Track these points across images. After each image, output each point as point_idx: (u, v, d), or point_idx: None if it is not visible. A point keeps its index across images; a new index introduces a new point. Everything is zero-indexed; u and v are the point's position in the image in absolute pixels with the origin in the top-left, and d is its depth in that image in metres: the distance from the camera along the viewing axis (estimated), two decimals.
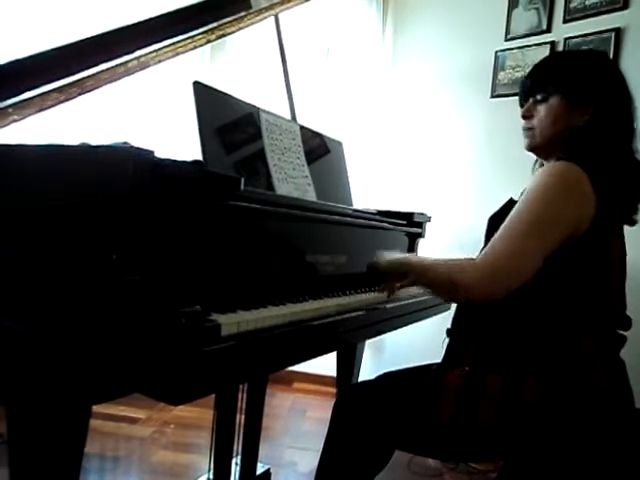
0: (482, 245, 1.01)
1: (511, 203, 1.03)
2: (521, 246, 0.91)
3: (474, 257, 0.96)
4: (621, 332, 1.02)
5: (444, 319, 1.28)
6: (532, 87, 1.11)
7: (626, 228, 1.06)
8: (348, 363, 1.75)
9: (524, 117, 1.12)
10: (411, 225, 1.63)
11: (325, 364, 1.86)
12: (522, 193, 1.00)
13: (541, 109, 1.08)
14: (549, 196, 0.94)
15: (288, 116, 1.51)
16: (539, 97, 1.08)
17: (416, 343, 2.24)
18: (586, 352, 0.94)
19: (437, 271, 1.00)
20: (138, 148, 0.73)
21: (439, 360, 1.14)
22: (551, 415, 0.91)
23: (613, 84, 1.05)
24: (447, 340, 1.10)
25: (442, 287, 1.00)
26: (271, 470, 1.67)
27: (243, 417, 1.54)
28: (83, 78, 1.06)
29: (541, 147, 1.10)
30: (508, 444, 0.95)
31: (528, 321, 0.97)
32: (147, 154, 0.74)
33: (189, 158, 0.86)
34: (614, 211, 0.98)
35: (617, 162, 1.00)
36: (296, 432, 2.36)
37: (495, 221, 1.01)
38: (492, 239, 0.95)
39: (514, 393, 0.93)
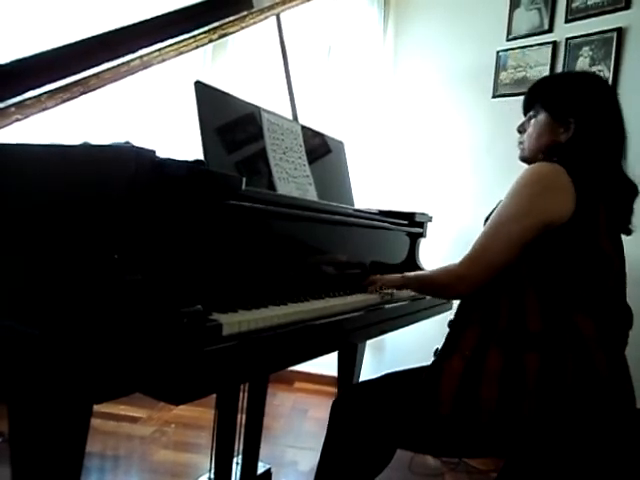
0: None
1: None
2: (495, 241, 1.02)
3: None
4: (625, 327, 1.04)
5: (444, 320, 1.28)
6: (527, 103, 1.20)
7: None
8: (349, 363, 1.75)
9: (519, 131, 1.22)
10: (412, 225, 1.63)
11: (326, 364, 1.86)
12: None
13: (531, 124, 1.17)
14: (524, 190, 1.01)
15: (289, 116, 1.51)
16: (532, 113, 1.17)
17: (417, 343, 2.24)
18: (585, 333, 0.96)
19: (428, 278, 1.20)
20: (140, 148, 0.73)
21: None
22: (551, 401, 0.91)
23: (597, 105, 1.09)
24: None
25: (433, 289, 1.22)
26: (272, 470, 1.67)
27: (244, 417, 1.54)
28: (86, 77, 1.06)
29: (528, 159, 1.17)
30: (509, 435, 0.95)
31: (527, 301, 1.00)
32: (149, 154, 0.74)
33: (191, 158, 0.86)
34: (597, 205, 1.00)
35: (599, 173, 1.04)
36: (297, 432, 2.36)
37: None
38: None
39: (515, 371, 0.94)
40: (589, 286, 1.00)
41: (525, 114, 1.20)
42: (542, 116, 1.14)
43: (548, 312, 0.98)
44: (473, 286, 1.04)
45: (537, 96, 1.17)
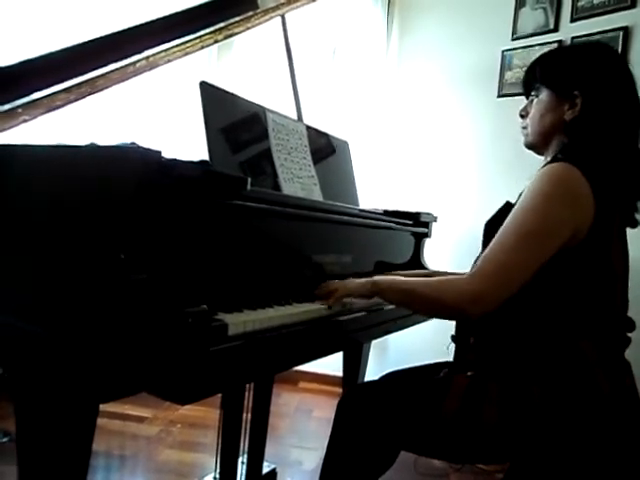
0: (480, 250, 1.00)
1: (508, 207, 1.00)
2: (515, 258, 0.89)
3: (460, 272, 0.95)
4: (624, 344, 1.01)
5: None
6: (527, 84, 1.11)
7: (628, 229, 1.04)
8: (354, 363, 1.75)
9: (521, 116, 1.12)
10: (417, 225, 1.63)
11: (331, 364, 1.86)
12: (520, 195, 0.98)
13: (533, 106, 1.08)
14: (546, 207, 0.90)
15: (294, 116, 1.51)
16: (533, 94, 1.08)
17: (420, 343, 2.24)
18: (586, 358, 0.92)
19: (422, 292, 0.96)
20: (146, 148, 0.74)
21: (443, 359, 1.14)
22: (554, 418, 0.90)
23: (605, 74, 0.99)
24: (452, 345, 1.10)
25: (430, 306, 0.98)
26: (277, 469, 1.67)
27: (249, 416, 1.54)
28: (92, 78, 1.07)
29: (534, 144, 1.10)
30: (513, 445, 0.94)
31: (528, 327, 0.96)
32: (155, 154, 0.74)
33: (196, 158, 0.87)
34: (614, 215, 0.95)
35: (614, 158, 0.96)
36: (302, 432, 2.36)
37: (491, 226, 1.00)
38: (486, 249, 0.93)
39: (516, 398, 0.92)
40: (597, 310, 0.94)
41: (527, 97, 1.11)
42: (545, 94, 1.04)
43: (550, 340, 0.93)
44: (487, 309, 0.89)
45: (536, 74, 1.07)
